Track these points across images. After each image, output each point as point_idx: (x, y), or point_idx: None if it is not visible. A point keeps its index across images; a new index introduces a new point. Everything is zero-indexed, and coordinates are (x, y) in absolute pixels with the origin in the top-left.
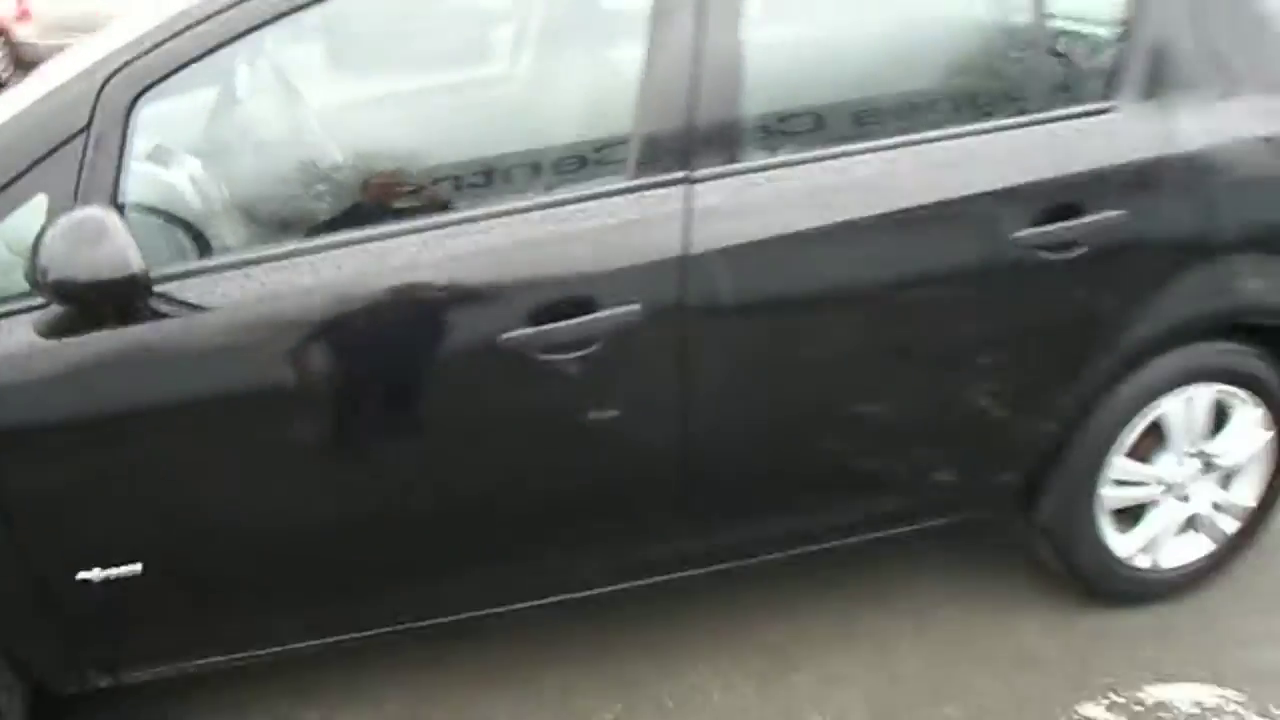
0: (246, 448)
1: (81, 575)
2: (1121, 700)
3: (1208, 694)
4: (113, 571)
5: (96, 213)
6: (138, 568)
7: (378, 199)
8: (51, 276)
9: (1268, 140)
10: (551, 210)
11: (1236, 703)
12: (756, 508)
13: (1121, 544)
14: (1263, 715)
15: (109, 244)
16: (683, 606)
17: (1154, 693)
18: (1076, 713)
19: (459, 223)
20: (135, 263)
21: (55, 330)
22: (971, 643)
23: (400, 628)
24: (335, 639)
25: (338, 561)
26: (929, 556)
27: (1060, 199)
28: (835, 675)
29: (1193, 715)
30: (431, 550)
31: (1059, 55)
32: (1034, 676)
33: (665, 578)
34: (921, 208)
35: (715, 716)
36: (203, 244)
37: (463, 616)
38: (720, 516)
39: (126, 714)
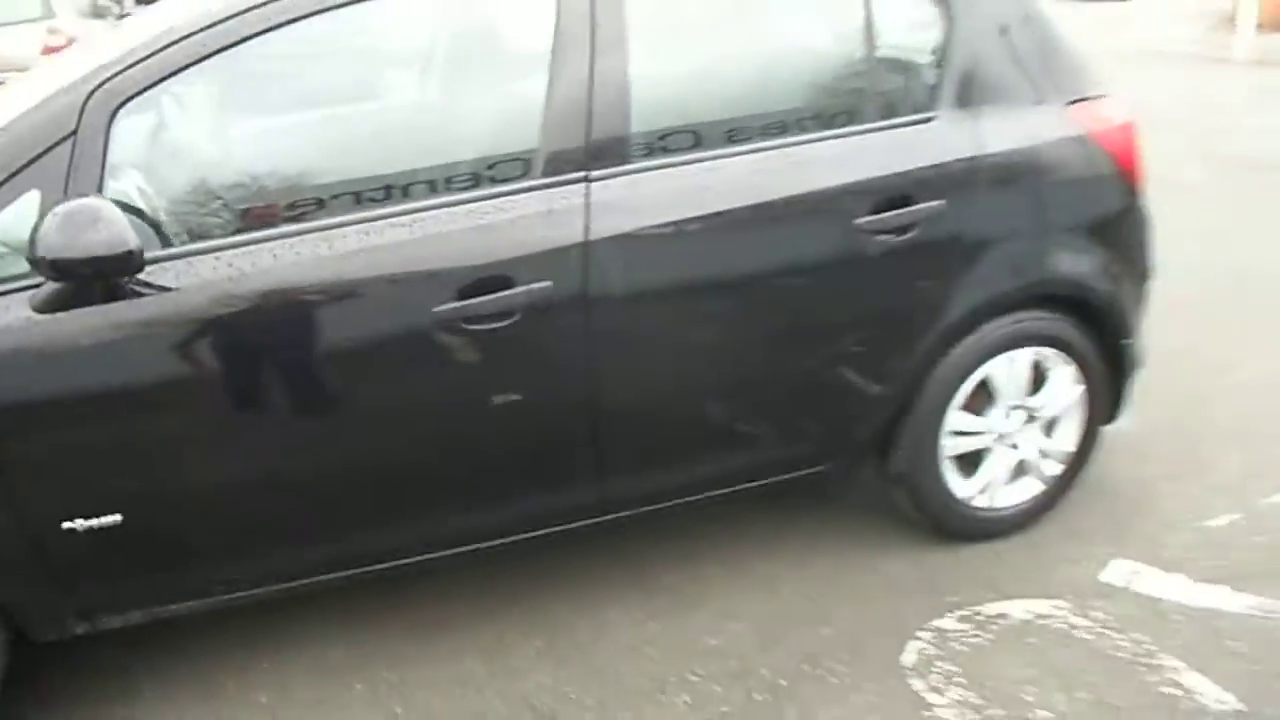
0: (215, 409)
1: (66, 525)
2: (967, 613)
3: (1038, 605)
4: (95, 521)
5: (92, 201)
6: (118, 518)
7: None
8: (50, 256)
9: (1072, 139)
10: (475, 205)
11: (1062, 608)
12: (654, 460)
13: (963, 488)
14: (1082, 616)
15: (106, 227)
16: (594, 556)
17: (994, 606)
18: (930, 626)
19: (399, 214)
20: (132, 241)
21: (49, 306)
22: (843, 577)
23: (355, 571)
24: (291, 584)
25: (295, 511)
26: (806, 509)
27: (892, 191)
28: (728, 610)
29: (1026, 619)
30: (380, 498)
31: (889, 76)
32: (896, 601)
33: (574, 525)
34: (779, 200)
35: (625, 646)
36: (162, 238)
37: (404, 562)
38: (621, 468)
39: (90, 663)
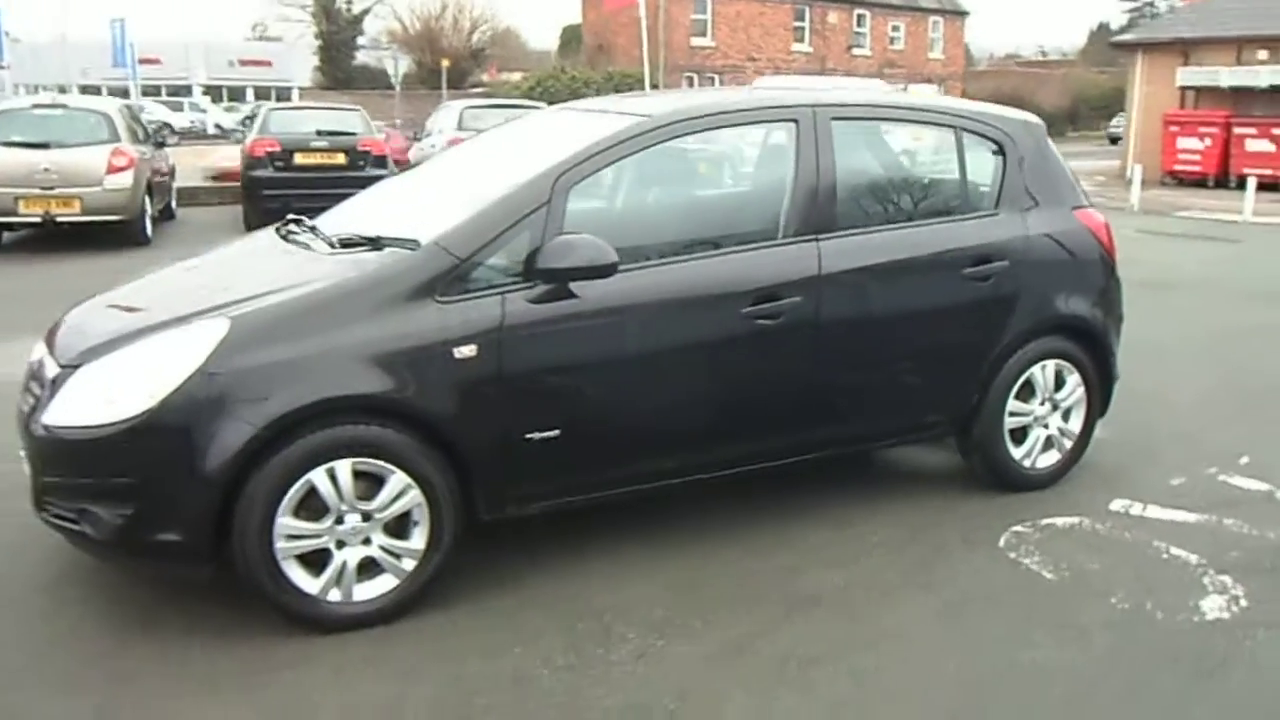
0: (617, 364)
1: (528, 436)
2: (1030, 524)
3: (1071, 519)
4: (544, 434)
5: (575, 236)
6: (557, 433)
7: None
8: (547, 267)
9: (1076, 229)
10: (762, 250)
11: (1085, 520)
12: (838, 416)
13: (1016, 453)
14: (1099, 523)
15: (588, 248)
16: (795, 490)
17: (1045, 520)
18: (1009, 530)
19: (722, 253)
20: (613, 255)
21: (538, 300)
22: (949, 508)
23: (682, 480)
24: (658, 484)
25: (664, 432)
26: (910, 476)
27: (980, 254)
28: (883, 524)
29: (1065, 526)
30: (709, 425)
31: (975, 189)
32: (984, 520)
33: (804, 457)
34: (919, 257)
35: (818, 541)
36: None
37: (728, 472)
38: (820, 418)
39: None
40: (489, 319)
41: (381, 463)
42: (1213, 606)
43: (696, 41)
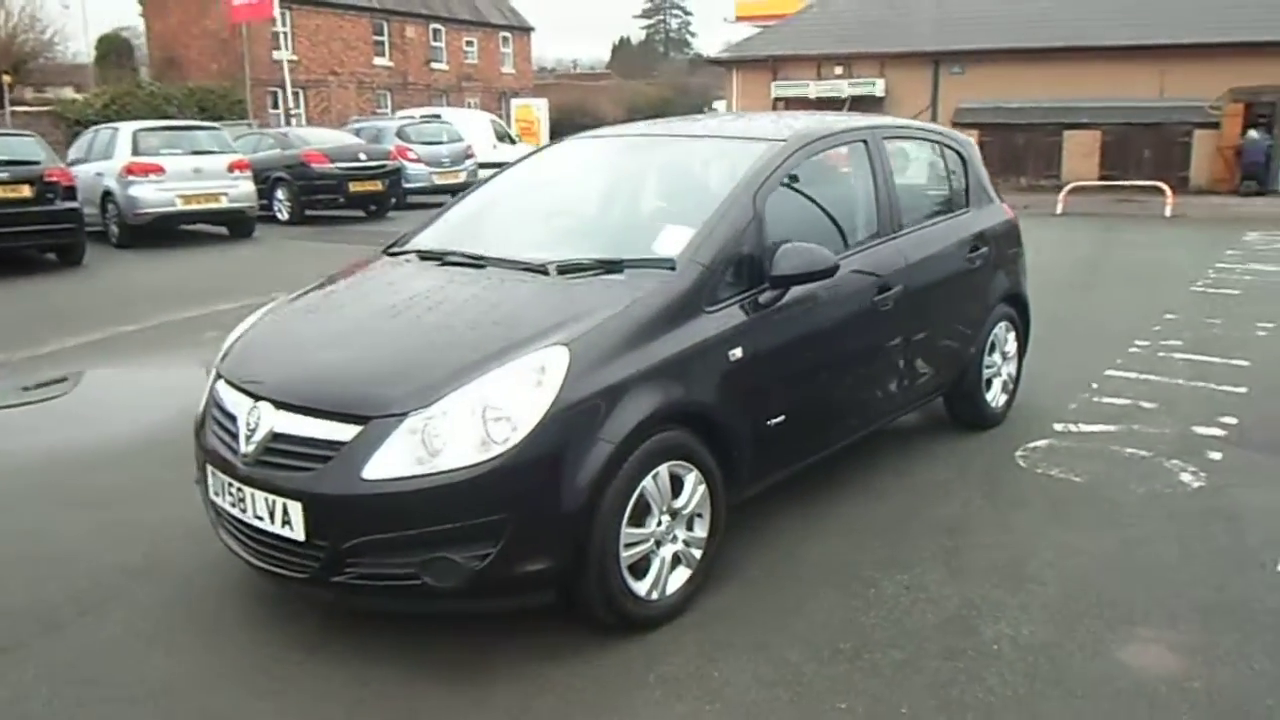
0: (812, 349)
1: (768, 422)
2: (1025, 447)
3: (1043, 441)
4: (776, 420)
5: (798, 244)
6: (784, 418)
7: None
8: (780, 274)
9: (1007, 219)
10: (876, 248)
11: (1053, 440)
12: (917, 378)
13: (989, 397)
14: (1061, 440)
15: (812, 254)
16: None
17: (1031, 444)
18: (1015, 454)
19: (861, 250)
20: (834, 259)
21: (768, 302)
22: (952, 451)
23: (847, 441)
24: (832, 449)
25: (839, 404)
26: (914, 434)
27: (973, 242)
28: (940, 461)
29: (1046, 446)
30: (862, 395)
31: (954, 195)
32: (991, 450)
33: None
34: (946, 245)
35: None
36: None
37: (864, 433)
38: (909, 381)
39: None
40: (742, 322)
41: (686, 463)
42: (1189, 480)
43: (278, 55)
